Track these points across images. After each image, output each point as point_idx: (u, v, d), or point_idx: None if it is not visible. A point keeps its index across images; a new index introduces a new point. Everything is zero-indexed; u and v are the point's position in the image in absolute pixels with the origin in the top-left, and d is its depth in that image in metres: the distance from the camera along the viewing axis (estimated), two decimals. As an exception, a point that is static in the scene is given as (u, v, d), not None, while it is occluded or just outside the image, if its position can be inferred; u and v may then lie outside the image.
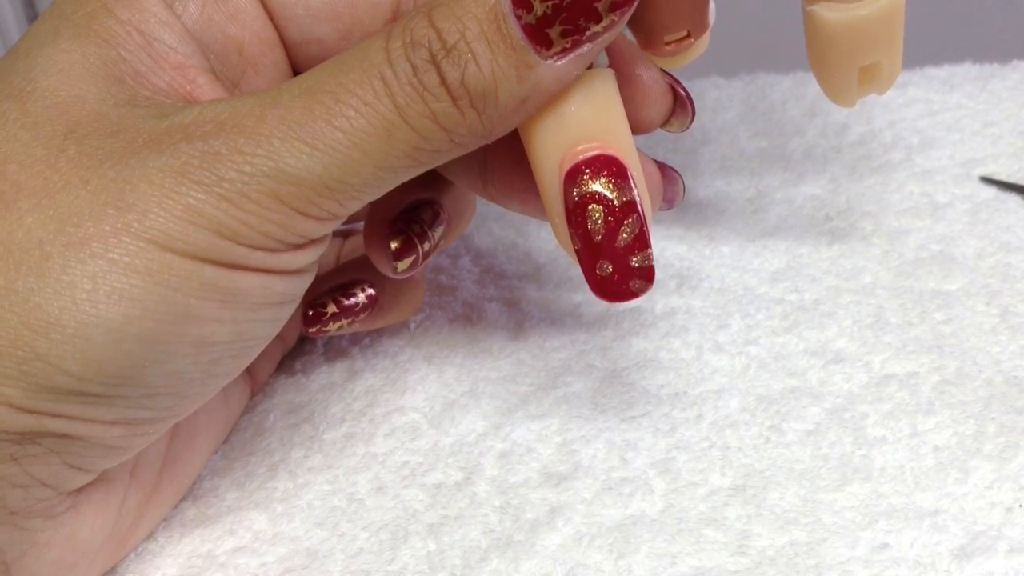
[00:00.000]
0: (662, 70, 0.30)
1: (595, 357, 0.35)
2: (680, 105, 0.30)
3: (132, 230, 0.24)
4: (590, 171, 0.26)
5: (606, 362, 0.35)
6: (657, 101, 0.29)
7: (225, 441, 0.34)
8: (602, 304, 0.37)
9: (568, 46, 0.25)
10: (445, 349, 0.36)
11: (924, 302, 0.36)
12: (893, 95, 0.47)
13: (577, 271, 0.34)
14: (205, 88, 0.26)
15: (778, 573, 0.27)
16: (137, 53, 0.26)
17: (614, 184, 0.26)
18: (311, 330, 0.34)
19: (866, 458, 0.30)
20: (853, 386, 0.33)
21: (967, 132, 0.44)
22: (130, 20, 0.26)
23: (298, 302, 0.28)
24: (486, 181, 0.30)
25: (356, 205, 0.26)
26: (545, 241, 0.41)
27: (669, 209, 0.31)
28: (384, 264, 0.32)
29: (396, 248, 0.32)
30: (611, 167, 0.26)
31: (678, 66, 0.32)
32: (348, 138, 0.24)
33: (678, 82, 0.30)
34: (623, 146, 0.26)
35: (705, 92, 0.49)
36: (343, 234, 0.38)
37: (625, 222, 0.26)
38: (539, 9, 0.24)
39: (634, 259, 0.27)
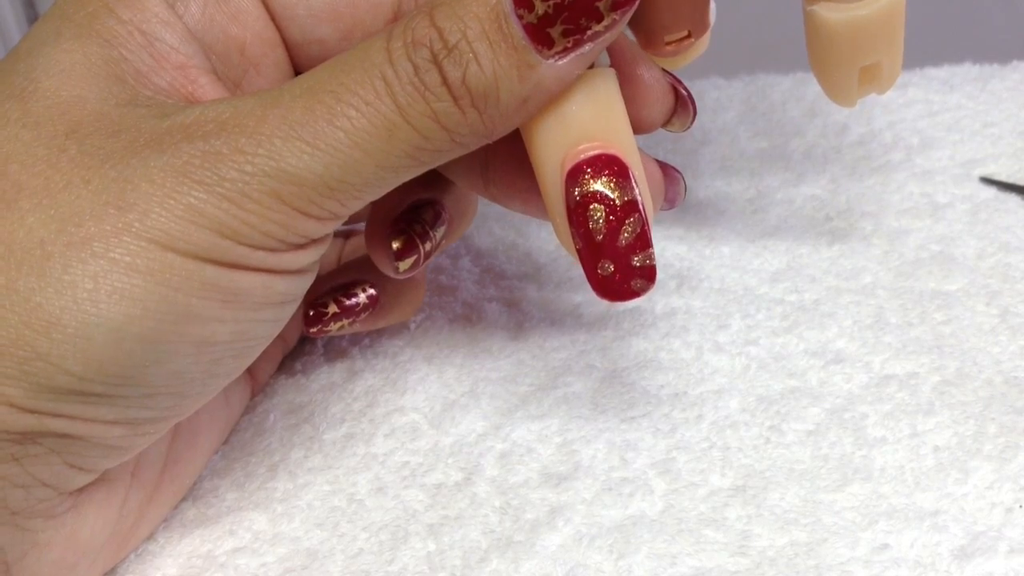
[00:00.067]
0: (663, 70, 0.30)
1: (595, 357, 0.35)
2: (681, 105, 0.30)
3: (133, 230, 0.24)
4: (591, 170, 0.26)
5: (606, 362, 0.35)
6: (658, 101, 0.29)
7: (225, 441, 0.34)
8: (602, 304, 0.37)
9: (569, 45, 0.25)
10: (445, 349, 0.36)
11: (924, 302, 0.36)
12: (893, 95, 0.47)
13: (577, 271, 0.34)
14: (207, 88, 0.26)
15: (778, 573, 0.27)
16: (139, 53, 0.26)
17: (615, 183, 0.26)
18: (312, 330, 0.34)
19: (866, 458, 0.30)
20: (853, 386, 0.33)
21: (967, 132, 0.44)
22: (132, 20, 0.26)
23: (299, 302, 0.28)
24: (487, 181, 0.30)
25: (357, 205, 0.26)
26: (545, 241, 0.41)
27: (670, 209, 0.31)
28: (386, 264, 0.32)
29: (398, 248, 0.32)
30: (612, 166, 0.26)
31: (678, 66, 0.32)
32: (349, 138, 0.24)
33: (679, 82, 0.30)
34: (624, 145, 0.26)
35: (705, 92, 0.49)
36: (344, 234, 0.38)
37: (627, 221, 0.26)
38: (540, 8, 0.24)
39: (635, 258, 0.27)
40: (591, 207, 0.26)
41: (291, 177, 0.24)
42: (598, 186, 0.26)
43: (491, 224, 0.42)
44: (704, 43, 0.32)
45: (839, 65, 0.32)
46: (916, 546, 0.27)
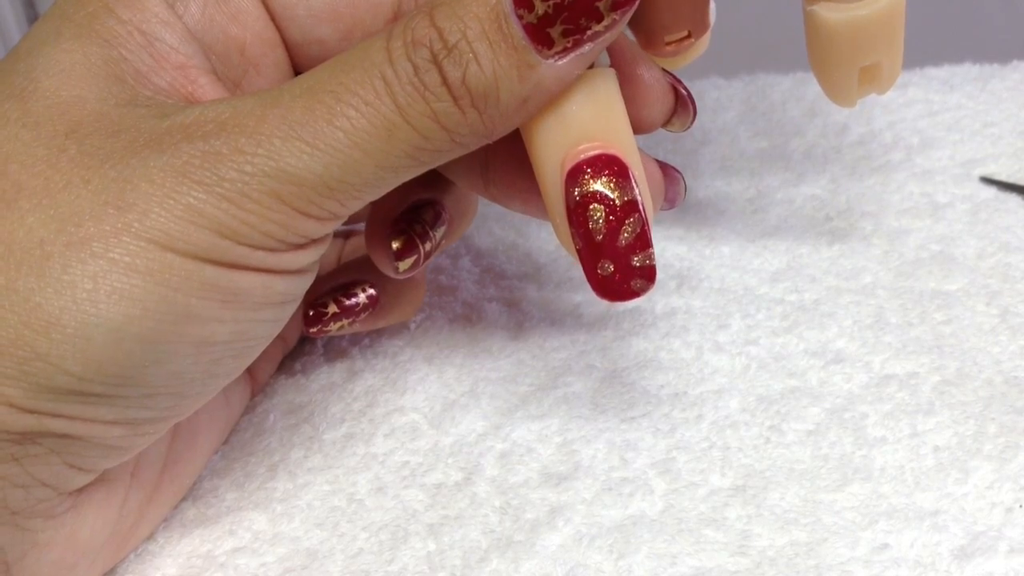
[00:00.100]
0: (663, 70, 0.30)
1: (595, 357, 0.35)
2: (681, 104, 0.30)
3: (133, 230, 0.24)
4: (591, 171, 0.26)
5: (606, 362, 0.35)
6: (658, 101, 0.29)
7: (225, 441, 0.34)
8: (602, 304, 0.37)
9: (569, 45, 0.25)
10: (445, 349, 0.36)
11: (924, 302, 0.36)
12: (893, 95, 0.47)
13: (577, 271, 0.34)
14: (206, 88, 0.26)
15: (778, 573, 0.27)
16: (138, 53, 0.26)
17: (615, 183, 0.26)
18: (312, 330, 0.34)
19: (866, 458, 0.30)
20: (853, 386, 0.33)
21: (967, 132, 0.44)
22: (131, 20, 0.26)
23: (299, 302, 0.28)
24: (487, 181, 0.30)
25: (357, 205, 0.26)
26: (545, 241, 0.41)
27: (671, 209, 0.31)
28: (386, 264, 0.32)
29: (398, 248, 0.32)
30: (612, 166, 0.26)
31: (678, 66, 0.32)
32: (349, 138, 0.24)
33: (679, 82, 0.30)
34: (624, 145, 0.26)
35: (705, 92, 0.49)
36: (344, 235, 0.38)
37: (626, 221, 0.26)
38: (540, 8, 0.24)
39: (635, 258, 0.27)
40: (591, 207, 0.26)
41: (291, 177, 0.24)
42: (598, 186, 0.26)
43: (491, 224, 0.42)
44: (704, 43, 0.32)
45: (839, 65, 0.32)
46: (916, 546, 0.27)
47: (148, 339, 0.24)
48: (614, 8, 0.24)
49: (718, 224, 0.41)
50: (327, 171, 0.24)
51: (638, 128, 0.29)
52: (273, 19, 0.28)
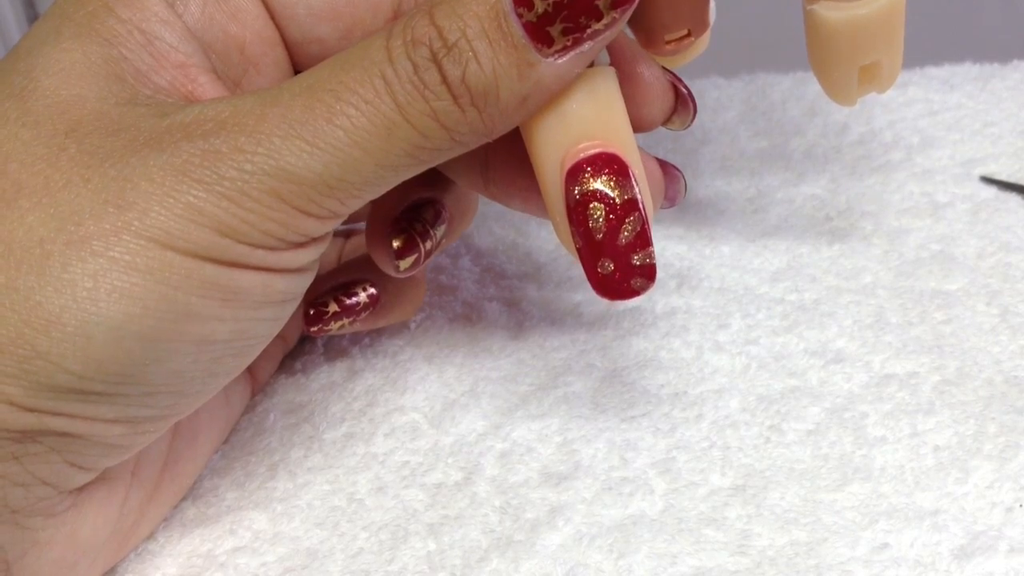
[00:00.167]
0: (663, 68, 0.30)
1: (595, 357, 0.35)
2: (682, 103, 0.30)
3: (133, 228, 0.24)
4: (591, 169, 0.26)
5: (606, 362, 0.35)
6: (658, 99, 0.29)
7: (225, 441, 0.34)
8: (602, 304, 0.37)
9: (569, 44, 0.25)
10: (445, 349, 0.36)
11: (924, 302, 0.36)
12: (893, 95, 0.47)
13: (577, 270, 0.34)
14: (206, 87, 0.26)
15: (778, 573, 0.27)
16: (138, 52, 0.26)
17: (615, 182, 0.26)
18: (312, 329, 0.34)
19: (866, 458, 0.30)
20: (853, 386, 0.33)
21: (967, 132, 0.44)
22: (131, 19, 0.26)
23: (299, 301, 0.28)
24: (488, 180, 0.30)
25: (357, 203, 0.26)
26: (545, 241, 0.41)
27: (671, 207, 0.31)
28: (386, 263, 0.32)
29: (398, 247, 0.32)
30: (612, 165, 0.26)
31: (678, 65, 0.32)
32: (349, 136, 0.24)
33: (679, 80, 0.30)
34: (624, 144, 0.26)
35: (705, 92, 0.49)
36: (345, 234, 0.38)
37: (627, 220, 0.26)
38: (540, 7, 0.24)
39: (635, 257, 0.27)
40: (591, 206, 0.26)
41: (290, 176, 0.24)
42: (598, 185, 0.26)
43: (491, 224, 0.42)
44: (704, 42, 0.32)
45: (839, 64, 0.32)
46: (916, 546, 0.27)
47: (148, 337, 0.24)
48: (614, 7, 0.24)
49: (718, 224, 0.41)
50: (327, 170, 0.24)
51: (638, 126, 0.29)
52: (273, 18, 0.28)
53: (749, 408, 0.32)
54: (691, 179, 0.43)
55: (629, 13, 0.25)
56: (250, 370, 0.34)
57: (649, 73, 0.29)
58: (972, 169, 0.42)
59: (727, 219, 0.41)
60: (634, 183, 0.26)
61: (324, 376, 0.36)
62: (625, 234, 0.26)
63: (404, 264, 0.32)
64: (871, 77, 0.32)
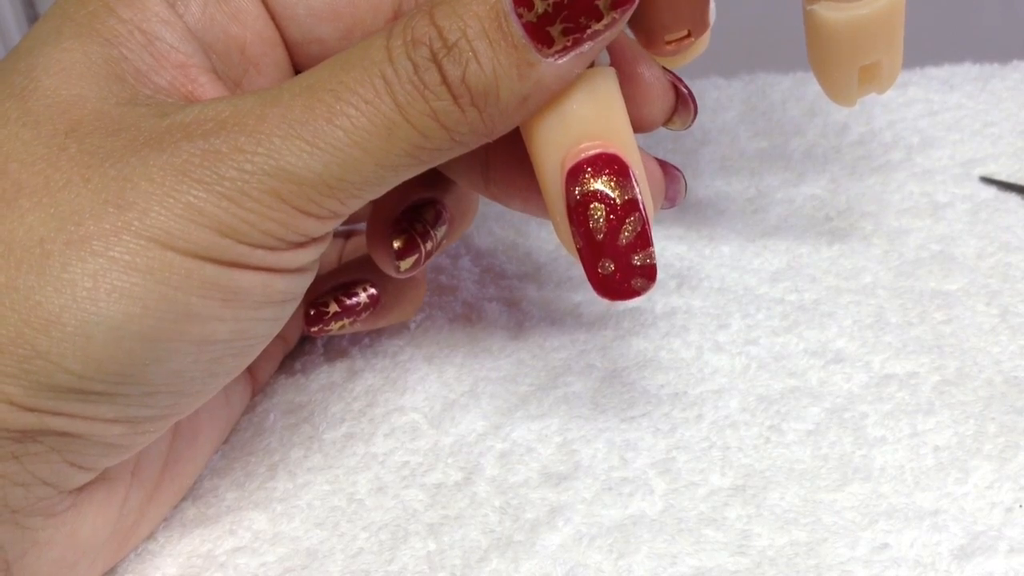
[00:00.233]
0: (664, 68, 0.30)
1: (595, 357, 0.35)
2: (682, 103, 0.30)
3: (133, 228, 0.24)
4: (592, 169, 0.26)
5: (606, 362, 0.35)
6: (659, 99, 0.29)
7: (225, 441, 0.34)
8: (602, 304, 0.37)
9: (569, 44, 0.25)
10: (445, 349, 0.36)
11: (924, 302, 0.36)
12: (893, 95, 0.47)
13: (577, 270, 0.34)
14: (206, 87, 0.26)
15: (778, 573, 0.27)
16: (139, 52, 0.26)
17: (616, 182, 0.26)
18: (313, 329, 0.34)
19: (866, 458, 0.30)
20: (853, 386, 0.33)
21: (967, 132, 0.44)
22: (132, 19, 0.26)
23: (299, 301, 0.28)
24: (488, 180, 0.30)
25: (357, 204, 0.26)
26: (545, 241, 0.41)
27: (671, 207, 0.31)
28: (387, 263, 0.32)
29: (399, 247, 0.32)
30: (613, 165, 0.26)
31: (678, 65, 0.32)
32: (349, 136, 0.24)
33: (680, 80, 0.30)
34: (625, 144, 0.26)
35: (705, 92, 0.49)
36: (345, 234, 0.38)
37: (627, 220, 0.26)
38: (540, 7, 0.24)
39: (636, 257, 0.27)
40: (591, 206, 0.26)
41: (291, 176, 0.24)
42: (598, 185, 0.26)
43: (491, 224, 0.42)
44: (704, 42, 0.32)
45: (839, 64, 0.32)
46: (916, 546, 0.27)
47: (148, 337, 0.24)
48: (614, 7, 0.24)
49: (718, 224, 0.41)
50: (327, 170, 0.24)
51: (638, 127, 0.29)
52: (273, 18, 0.28)
53: (749, 408, 0.32)
54: (691, 179, 0.43)
55: (629, 13, 0.25)
56: (250, 370, 0.34)
57: (649, 73, 0.29)
58: (972, 169, 0.42)
59: (727, 219, 0.41)
60: (635, 183, 0.26)
61: (324, 376, 0.36)
62: (626, 234, 0.26)
63: (404, 264, 0.32)
64: (871, 77, 0.33)
